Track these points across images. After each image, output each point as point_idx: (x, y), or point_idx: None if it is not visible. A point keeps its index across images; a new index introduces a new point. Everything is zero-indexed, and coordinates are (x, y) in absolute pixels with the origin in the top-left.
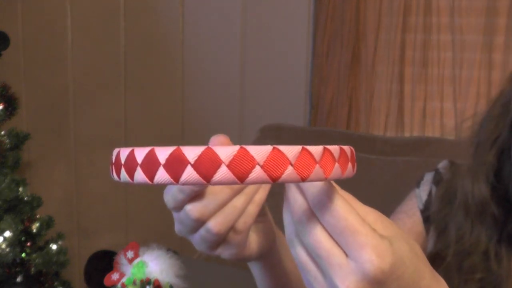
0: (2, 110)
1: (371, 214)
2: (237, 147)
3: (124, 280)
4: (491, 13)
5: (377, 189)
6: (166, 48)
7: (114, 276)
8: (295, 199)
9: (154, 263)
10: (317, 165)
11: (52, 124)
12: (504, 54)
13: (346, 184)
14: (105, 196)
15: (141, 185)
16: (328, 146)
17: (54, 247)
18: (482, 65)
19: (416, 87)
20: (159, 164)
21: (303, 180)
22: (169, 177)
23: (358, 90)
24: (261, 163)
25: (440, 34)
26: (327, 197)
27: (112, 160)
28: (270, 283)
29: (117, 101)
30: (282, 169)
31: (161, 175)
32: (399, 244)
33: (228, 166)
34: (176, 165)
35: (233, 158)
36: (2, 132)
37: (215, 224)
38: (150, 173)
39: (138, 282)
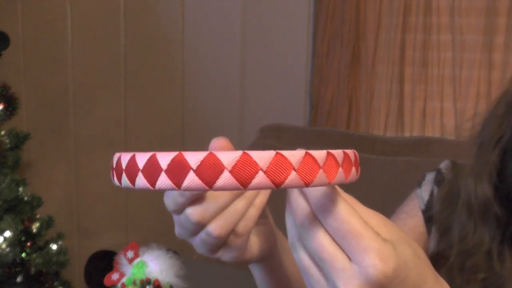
0: (2, 110)
1: (374, 217)
2: (239, 152)
3: (124, 280)
4: (491, 13)
5: (377, 189)
6: (166, 48)
7: (114, 276)
8: (298, 203)
9: (154, 263)
10: (321, 170)
11: (52, 124)
12: (504, 54)
13: (346, 184)
14: (105, 196)
15: (143, 190)
16: (331, 151)
17: (54, 247)
18: (482, 65)
19: (416, 87)
20: (160, 169)
21: (307, 185)
22: (171, 183)
23: (358, 90)
24: (264, 169)
25: (440, 34)
26: (329, 200)
27: (112, 165)
28: (271, 285)
29: (117, 101)
30: (285, 175)
31: (163, 181)
32: (403, 247)
33: (230, 171)
34: (178, 170)
35: (235, 164)
36: (2, 132)
37: (215, 228)
38: (152, 179)
39: (138, 282)
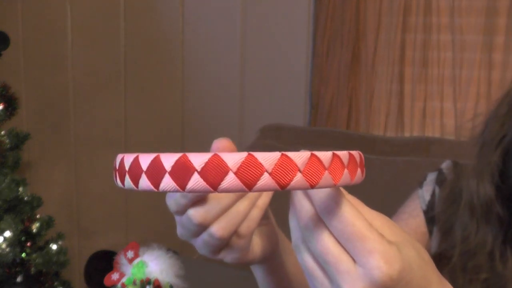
0: (2, 110)
1: (378, 219)
2: (244, 154)
3: (124, 280)
4: (491, 13)
5: (377, 189)
6: (166, 48)
7: (114, 276)
8: (302, 205)
9: (154, 263)
10: (326, 171)
11: (52, 124)
12: (504, 54)
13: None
14: (105, 196)
15: (146, 192)
16: (337, 152)
17: (54, 247)
18: (482, 65)
19: (416, 87)
20: (164, 171)
21: (312, 187)
22: (175, 185)
23: (358, 90)
24: (270, 170)
25: (440, 34)
26: (334, 202)
27: (115, 166)
28: (273, 286)
29: (117, 101)
30: (291, 176)
31: (167, 183)
32: (407, 249)
33: (235, 173)
34: (182, 172)
35: (240, 165)
36: (2, 132)
37: (218, 229)
38: (156, 180)
39: (138, 282)
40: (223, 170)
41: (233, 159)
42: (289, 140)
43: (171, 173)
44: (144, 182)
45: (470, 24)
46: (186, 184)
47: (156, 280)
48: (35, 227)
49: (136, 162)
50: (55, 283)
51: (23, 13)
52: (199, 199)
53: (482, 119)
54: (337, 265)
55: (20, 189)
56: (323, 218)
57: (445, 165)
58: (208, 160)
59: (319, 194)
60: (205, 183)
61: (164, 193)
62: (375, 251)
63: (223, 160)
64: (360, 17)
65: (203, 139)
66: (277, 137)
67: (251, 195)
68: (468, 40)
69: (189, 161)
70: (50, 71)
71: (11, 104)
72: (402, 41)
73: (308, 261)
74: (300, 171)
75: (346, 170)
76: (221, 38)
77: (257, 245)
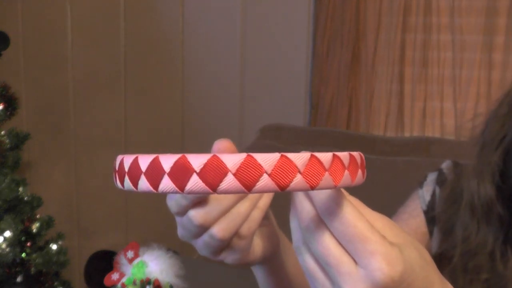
0: (2, 110)
1: (380, 220)
2: (244, 155)
3: (124, 280)
4: (491, 13)
5: (377, 189)
6: (166, 48)
7: (114, 276)
8: (303, 206)
9: (154, 263)
10: (327, 172)
11: (52, 124)
12: (504, 54)
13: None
14: (105, 196)
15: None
16: (337, 153)
17: (54, 247)
18: (482, 65)
19: (416, 87)
20: (163, 172)
21: (312, 188)
22: (174, 186)
23: (358, 90)
24: (269, 171)
25: (440, 34)
26: (335, 203)
27: (115, 167)
28: (274, 286)
29: (117, 101)
30: (290, 177)
31: (166, 184)
32: (409, 251)
33: (234, 174)
34: (181, 173)
35: (240, 166)
36: (2, 132)
37: (218, 230)
38: (155, 182)
39: (138, 282)
40: (222, 171)
41: (232, 160)
42: (289, 140)
43: (170, 174)
44: (144, 184)
45: (470, 24)
46: (185, 185)
47: (156, 280)
48: (35, 227)
49: (135, 163)
50: (55, 283)
51: (23, 13)
52: (200, 200)
53: (482, 119)
54: (338, 266)
55: (20, 189)
56: (324, 219)
57: (445, 165)
58: (207, 161)
59: (320, 195)
60: (204, 184)
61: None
62: (377, 252)
63: (222, 161)
64: (360, 17)
65: (203, 139)
66: (277, 137)
67: (252, 196)
68: (468, 40)
69: (188, 162)
70: (50, 71)
71: (11, 104)
72: (402, 41)
73: (309, 262)
74: (300, 172)
75: (346, 172)
76: (221, 38)
77: (257, 246)
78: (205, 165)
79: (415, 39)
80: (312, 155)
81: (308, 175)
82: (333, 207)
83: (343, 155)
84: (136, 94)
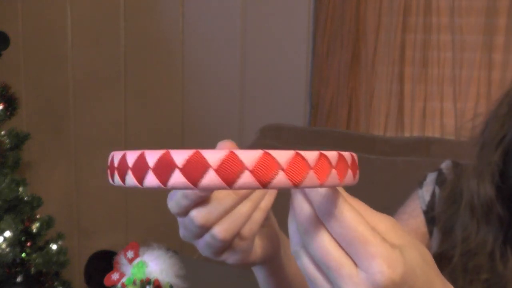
0: (2, 110)
1: (383, 222)
2: (226, 151)
3: (124, 280)
4: (491, 13)
5: (377, 189)
6: (166, 48)
7: (114, 276)
8: (301, 208)
9: (154, 263)
10: (311, 170)
11: (52, 124)
12: (504, 54)
13: (343, 186)
14: (105, 196)
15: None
16: (324, 152)
17: (54, 247)
18: (482, 65)
19: (416, 87)
20: (148, 167)
21: (296, 186)
22: (158, 181)
23: (358, 90)
24: (250, 168)
25: (440, 34)
26: (334, 205)
27: (109, 163)
28: (274, 286)
29: (117, 101)
30: (272, 174)
31: (150, 179)
32: (410, 253)
33: (216, 170)
34: (164, 169)
35: (221, 163)
36: (2, 132)
37: (220, 231)
38: (140, 177)
39: (138, 282)
40: (204, 166)
41: (214, 156)
42: (289, 140)
43: (154, 170)
44: (130, 179)
45: (470, 24)
46: (168, 180)
47: (156, 280)
48: (35, 227)
49: (123, 159)
50: (55, 283)
51: (23, 13)
52: (201, 200)
53: (482, 119)
54: (338, 269)
55: (20, 189)
56: (323, 221)
57: (445, 165)
58: (189, 157)
59: (319, 196)
60: (186, 180)
61: (164, 192)
62: (378, 255)
63: (204, 157)
64: (360, 17)
65: (203, 139)
66: (277, 137)
67: (254, 197)
68: (468, 40)
69: (171, 157)
70: (50, 71)
71: (11, 104)
72: (402, 41)
73: (308, 266)
74: (283, 169)
75: (334, 170)
76: (221, 38)
77: (258, 247)
78: (187, 161)
79: (415, 39)
80: (296, 153)
81: (291, 172)
82: (332, 209)
83: (331, 154)
84: (136, 94)
